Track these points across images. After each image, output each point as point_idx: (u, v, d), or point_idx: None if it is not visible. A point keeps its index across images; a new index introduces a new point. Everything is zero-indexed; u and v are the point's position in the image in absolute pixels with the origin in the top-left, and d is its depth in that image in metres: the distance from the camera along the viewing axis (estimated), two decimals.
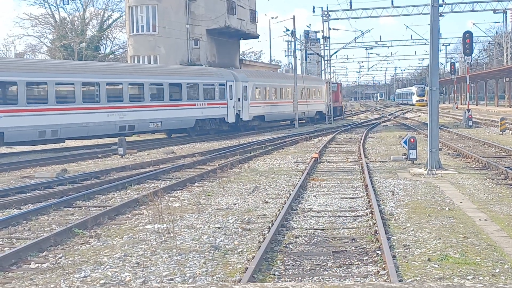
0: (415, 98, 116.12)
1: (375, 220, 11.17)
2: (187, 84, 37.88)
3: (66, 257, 9.38)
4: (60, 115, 28.98)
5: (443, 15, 57.78)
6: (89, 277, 8.30)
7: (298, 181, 16.81)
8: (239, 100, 42.47)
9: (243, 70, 49.68)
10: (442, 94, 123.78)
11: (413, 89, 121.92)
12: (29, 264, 9.07)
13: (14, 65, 28.75)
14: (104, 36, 72.56)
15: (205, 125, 39.35)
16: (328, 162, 22.62)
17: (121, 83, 33.14)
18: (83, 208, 13.82)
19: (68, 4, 65.46)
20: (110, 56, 72.77)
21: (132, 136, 36.65)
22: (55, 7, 68.35)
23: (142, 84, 34.59)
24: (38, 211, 13.06)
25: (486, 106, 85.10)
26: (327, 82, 61.78)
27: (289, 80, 52.63)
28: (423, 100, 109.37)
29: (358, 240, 10.20)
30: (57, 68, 30.78)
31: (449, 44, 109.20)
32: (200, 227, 11.29)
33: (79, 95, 30.35)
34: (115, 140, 32.91)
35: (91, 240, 10.46)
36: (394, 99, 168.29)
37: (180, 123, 37.47)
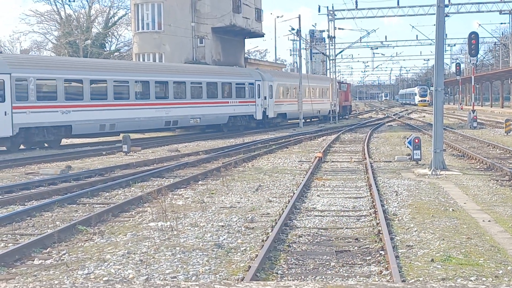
0: (417, 99, 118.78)
1: (379, 220, 11.17)
2: (222, 83, 41.12)
3: (70, 253, 9.40)
4: (117, 110, 32.26)
5: (449, 16, 57.63)
6: (93, 273, 8.31)
7: (302, 180, 16.80)
8: (265, 98, 45.52)
9: (268, 70, 52.39)
10: (447, 95, 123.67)
11: (416, 89, 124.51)
12: (33, 261, 9.08)
13: (80, 65, 32.15)
14: (110, 33, 72.57)
15: (237, 121, 42.61)
16: (332, 161, 22.61)
17: (167, 82, 36.27)
18: (87, 205, 13.85)
19: (74, 1, 65.55)
20: (115, 53, 72.81)
21: (174, 131, 39.94)
22: (60, 4, 68.42)
23: (184, 82, 37.70)
24: (42, 208, 13.08)
25: (491, 107, 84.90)
26: (338, 82, 64.51)
27: (313, 81, 56.09)
28: (425, 101, 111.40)
29: (361, 240, 10.20)
30: (115, 68, 34.46)
31: (454, 45, 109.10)
32: (204, 225, 11.30)
33: (133, 92, 33.73)
34: (159, 134, 37.92)
35: (95, 237, 10.48)
36: (398, 99, 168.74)
37: (216, 119, 40.48)
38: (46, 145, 29.31)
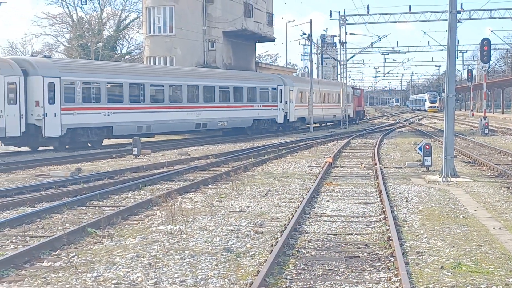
0: (427, 105, 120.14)
1: (389, 226, 11.12)
2: (248, 87, 42.85)
3: (79, 256, 9.41)
4: (153, 112, 34.01)
5: (461, 22, 57.35)
6: (102, 276, 8.32)
7: (312, 185, 16.77)
8: (286, 103, 47.11)
9: (289, 76, 54.24)
10: (458, 101, 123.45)
11: (426, 95, 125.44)
12: (42, 263, 9.10)
13: (120, 69, 34.05)
14: (121, 36, 72.81)
15: (260, 125, 44.34)
16: (342, 167, 22.56)
17: (198, 86, 37.97)
18: (97, 207, 13.87)
19: (86, 4, 65.71)
20: (127, 56, 72.99)
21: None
22: (72, 6, 68.71)
23: (213, 87, 39.31)
24: (52, 210, 13.12)
25: (503, 114, 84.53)
26: (352, 88, 68.09)
27: (328, 86, 57.56)
28: (435, 107, 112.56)
29: (371, 246, 10.16)
30: (151, 72, 36.10)
31: (466, 51, 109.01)
32: (213, 229, 11.29)
33: (167, 96, 35.46)
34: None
35: (104, 240, 10.49)
36: (409, 105, 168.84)
37: (241, 123, 42.37)
38: (89, 145, 30.79)
